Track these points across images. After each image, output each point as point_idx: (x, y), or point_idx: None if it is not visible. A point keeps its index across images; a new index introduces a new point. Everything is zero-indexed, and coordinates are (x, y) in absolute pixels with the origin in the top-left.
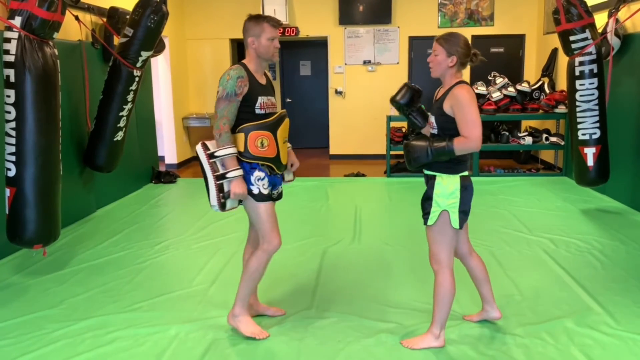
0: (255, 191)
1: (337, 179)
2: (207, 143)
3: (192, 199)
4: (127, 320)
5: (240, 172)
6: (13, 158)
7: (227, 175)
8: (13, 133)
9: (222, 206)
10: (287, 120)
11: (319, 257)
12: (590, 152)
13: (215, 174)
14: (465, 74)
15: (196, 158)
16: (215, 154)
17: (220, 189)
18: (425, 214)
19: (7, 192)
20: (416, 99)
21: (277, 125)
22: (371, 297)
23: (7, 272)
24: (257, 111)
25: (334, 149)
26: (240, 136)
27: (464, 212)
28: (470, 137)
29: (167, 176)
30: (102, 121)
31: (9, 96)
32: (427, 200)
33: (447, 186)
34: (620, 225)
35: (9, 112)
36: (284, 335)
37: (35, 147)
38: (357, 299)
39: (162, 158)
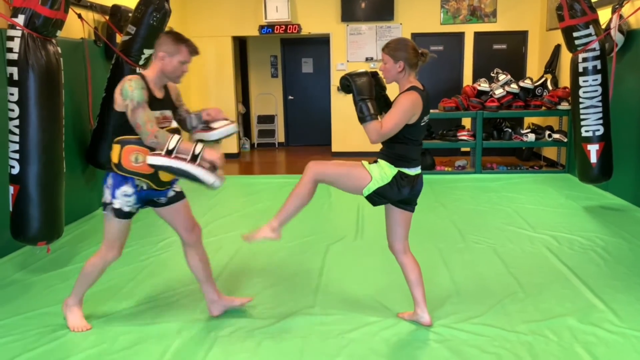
0: (116, 206)
1: None
2: (154, 153)
3: (195, 197)
4: (130, 318)
5: (201, 143)
6: (17, 156)
7: (196, 153)
8: (17, 131)
9: (219, 178)
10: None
11: (321, 254)
12: (593, 149)
13: (188, 161)
14: (468, 72)
15: None
16: (169, 148)
17: (203, 167)
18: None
19: (11, 189)
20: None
21: None
22: (374, 295)
23: (11, 269)
24: None
25: (336, 147)
26: (116, 147)
27: (380, 196)
28: (382, 131)
29: None
30: (104, 119)
31: (12, 94)
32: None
33: (383, 169)
34: (623, 222)
35: (13, 110)
36: (287, 333)
37: (38, 145)
38: (360, 296)
39: None
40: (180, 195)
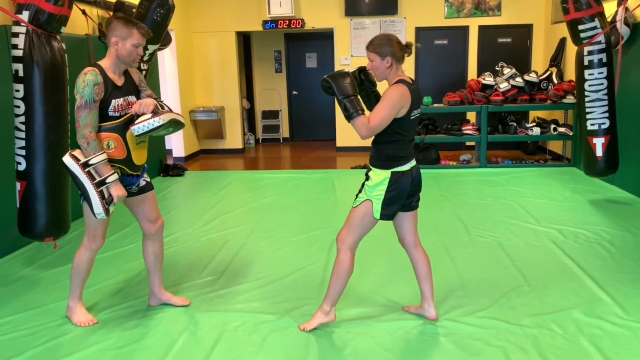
0: None
1: (343, 171)
2: (75, 154)
3: (200, 192)
4: (137, 313)
5: (116, 175)
6: (23, 152)
7: (107, 181)
8: (23, 127)
9: (107, 212)
10: None
11: (326, 249)
12: (599, 143)
13: (94, 182)
14: (473, 66)
15: (204, 152)
16: (89, 162)
17: (102, 195)
18: (356, 196)
19: (18, 185)
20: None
21: (126, 127)
22: (379, 289)
23: (19, 265)
24: (111, 114)
25: (340, 142)
26: None
27: (389, 205)
28: (370, 125)
29: (174, 169)
30: None
31: (18, 90)
32: (361, 186)
33: (375, 179)
34: (629, 215)
35: (18, 107)
36: (293, 327)
37: (44, 141)
38: (365, 290)
39: (170, 151)
40: (150, 186)
